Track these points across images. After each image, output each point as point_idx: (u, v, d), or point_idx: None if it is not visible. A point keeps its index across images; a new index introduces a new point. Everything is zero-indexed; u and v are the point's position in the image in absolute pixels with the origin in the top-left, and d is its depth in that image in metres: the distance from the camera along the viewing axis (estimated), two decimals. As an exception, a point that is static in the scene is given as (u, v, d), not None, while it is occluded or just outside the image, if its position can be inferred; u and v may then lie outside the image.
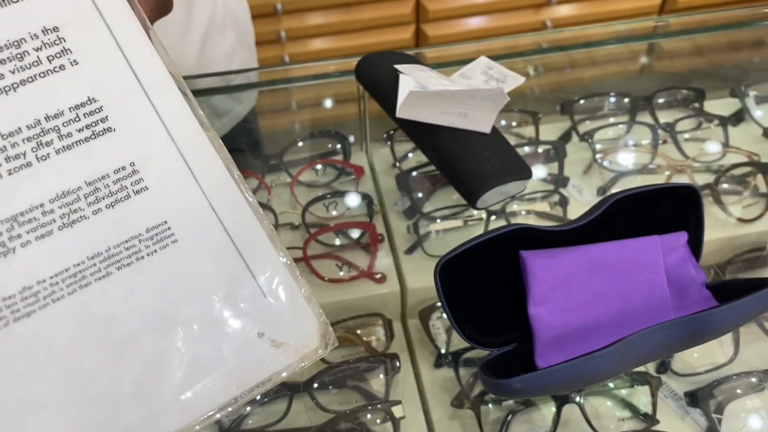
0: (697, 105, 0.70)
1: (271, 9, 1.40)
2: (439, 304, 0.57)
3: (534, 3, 1.54)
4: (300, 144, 0.68)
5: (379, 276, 0.58)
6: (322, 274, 0.57)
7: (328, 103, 0.75)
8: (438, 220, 0.61)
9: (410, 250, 0.59)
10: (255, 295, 0.26)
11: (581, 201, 0.61)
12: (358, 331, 0.58)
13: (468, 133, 0.50)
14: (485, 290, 0.43)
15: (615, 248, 0.42)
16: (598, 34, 0.76)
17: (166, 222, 0.26)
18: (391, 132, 0.68)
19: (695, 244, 0.45)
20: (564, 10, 1.57)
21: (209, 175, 0.26)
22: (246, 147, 0.76)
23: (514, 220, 0.60)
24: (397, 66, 0.55)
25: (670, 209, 0.45)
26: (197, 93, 0.66)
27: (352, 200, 0.63)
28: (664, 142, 0.66)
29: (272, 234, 0.27)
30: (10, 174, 0.24)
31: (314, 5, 1.46)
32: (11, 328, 0.24)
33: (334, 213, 0.63)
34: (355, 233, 0.61)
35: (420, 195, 0.63)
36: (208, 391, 0.25)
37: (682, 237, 0.43)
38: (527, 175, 0.48)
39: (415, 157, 0.67)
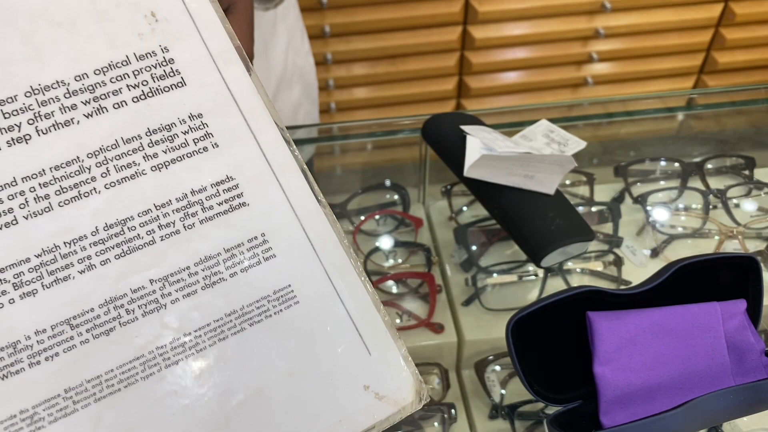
0: (747, 172, 0.72)
1: (322, 59, 1.46)
2: (492, 357, 0.59)
3: (573, 60, 1.58)
4: (361, 193, 0.71)
5: (437, 326, 0.60)
6: (383, 321, 0.60)
7: (388, 156, 0.79)
8: (495, 275, 0.63)
9: (467, 302, 0.62)
10: (362, 352, 0.29)
11: (635, 262, 0.63)
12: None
13: (533, 194, 0.53)
14: (551, 347, 0.45)
15: (677, 313, 0.44)
16: (649, 104, 0.79)
17: (290, 285, 0.30)
18: (449, 187, 0.71)
19: (754, 312, 0.46)
20: (603, 68, 1.61)
21: (325, 245, 0.30)
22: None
23: (569, 278, 0.62)
24: (462, 127, 0.58)
25: (730, 277, 0.47)
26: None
27: (412, 251, 0.66)
28: (715, 207, 0.68)
29: (375, 298, 0.30)
30: (162, 240, 0.28)
31: (361, 56, 1.52)
32: (163, 374, 0.27)
33: (393, 262, 0.66)
34: (414, 282, 0.63)
35: (476, 248, 0.65)
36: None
37: (741, 305, 0.45)
38: (590, 237, 0.51)
39: (470, 212, 0.70)
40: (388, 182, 0.72)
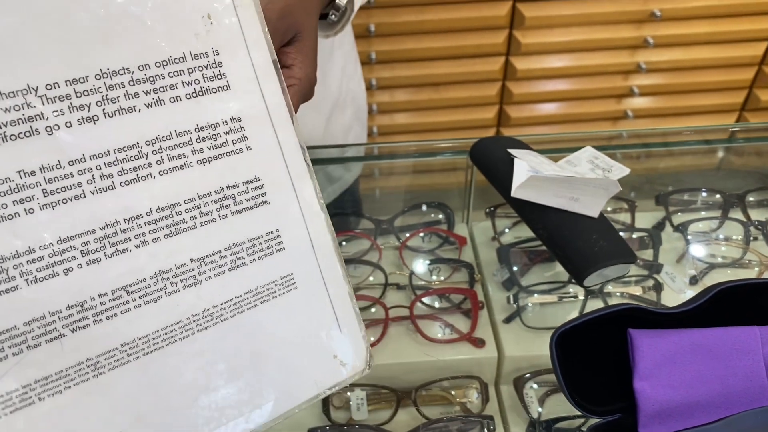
0: (787, 206, 0.73)
1: (367, 84, 1.51)
2: (530, 374, 0.61)
3: (614, 93, 1.60)
4: (407, 211, 0.74)
5: (479, 341, 0.62)
6: (426, 333, 0.62)
7: (433, 177, 0.81)
8: (536, 294, 0.65)
9: (508, 320, 0.64)
10: (336, 329, 0.37)
11: (674, 288, 0.65)
12: (453, 392, 0.62)
13: (577, 216, 0.55)
14: (593, 361, 0.47)
15: (716, 334, 0.46)
16: (689, 137, 0.80)
17: (292, 274, 0.35)
18: (492, 209, 0.73)
19: (793, 338, 0.48)
20: (643, 102, 1.62)
21: (321, 243, 0.36)
22: (351, 211, 0.83)
23: (609, 300, 0.63)
24: (510, 150, 0.61)
25: (769, 303, 0.48)
26: (319, 161, 0.74)
27: (455, 268, 0.68)
28: (756, 239, 0.69)
29: (350, 289, 0.37)
30: (201, 225, 0.32)
31: (405, 83, 1.56)
32: (195, 337, 0.33)
33: (436, 278, 0.68)
34: (456, 298, 0.65)
35: (517, 268, 0.67)
36: (306, 386, 0.36)
37: (781, 330, 0.46)
38: (632, 259, 0.53)
39: (513, 233, 0.72)
40: (433, 202, 0.75)
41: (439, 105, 1.61)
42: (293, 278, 0.35)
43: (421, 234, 0.73)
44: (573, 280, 0.62)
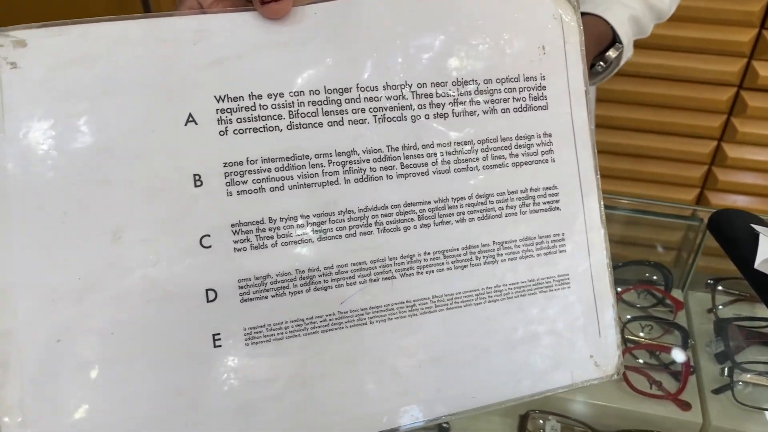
0: None
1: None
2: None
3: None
4: (622, 266, 0.76)
5: (685, 404, 0.62)
6: (633, 384, 0.64)
7: (652, 233, 0.83)
8: (750, 374, 0.64)
9: (718, 391, 0.64)
10: (594, 333, 0.40)
11: None
12: (647, 449, 0.63)
13: (824, 302, 0.54)
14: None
15: None
16: None
17: (568, 275, 0.39)
18: (712, 281, 0.73)
19: None
20: None
21: (596, 253, 0.40)
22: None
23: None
24: (753, 225, 0.62)
25: None
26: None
27: (667, 329, 0.69)
28: None
29: (613, 302, 0.40)
30: (506, 216, 0.38)
31: (609, 149, 1.57)
32: (485, 305, 0.37)
33: (646, 335, 0.69)
34: (666, 358, 0.66)
35: (733, 344, 0.67)
36: (563, 375, 0.39)
37: None
38: None
39: (731, 310, 0.72)
40: (650, 261, 0.76)
41: (638, 177, 1.60)
42: (568, 279, 0.39)
43: (639, 290, 0.74)
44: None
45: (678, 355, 0.66)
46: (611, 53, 0.59)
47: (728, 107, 1.49)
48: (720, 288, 0.73)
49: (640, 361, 0.67)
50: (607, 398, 0.64)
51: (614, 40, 0.60)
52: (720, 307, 0.73)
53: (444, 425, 0.63)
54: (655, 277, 0.76)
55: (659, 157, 1.57)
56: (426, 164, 0.36)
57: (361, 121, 0.34)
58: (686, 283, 0.75)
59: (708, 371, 0.66)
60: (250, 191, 0.32)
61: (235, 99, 0.32)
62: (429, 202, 0.36)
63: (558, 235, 0.39)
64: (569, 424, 0.64)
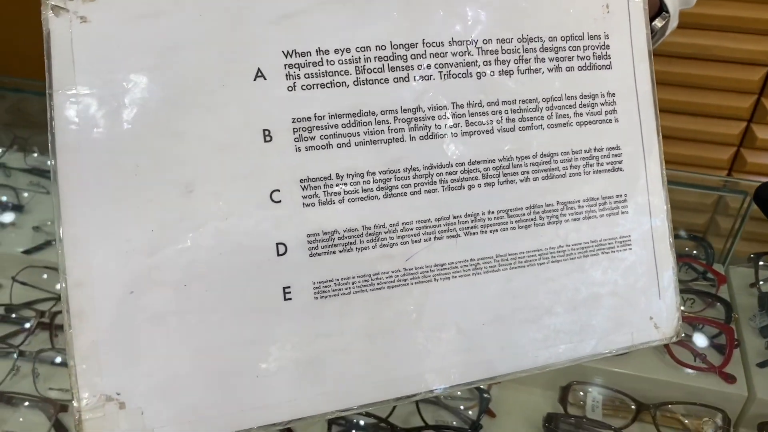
0: None
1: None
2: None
3: None
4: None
5: (730, 377, 0.62)
6: (676, 356, 0.63)
7: (689, 206, 0.82)
8: (796, 347, 0.64)
9: (763, 364, 0.63)
10: (655, 296, 0.40)
11: None
12: (687, 420, 0.63)
13: None
14: None
15: None
16: None
17: (629, 236, 0.39)
18: (754, 255, 0.72)
19: None
20: None
21: (657, 214, 0.39)
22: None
23: None
24: (801, 196, 0.61)
25: None
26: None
27: (710, 303, 0.69)
28: None
29: (674, 265, 0.40)
30: (570, 176, 0.37)
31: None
32: (547, 266, 0.37)
33: (688, 309, 0.69)
34: (709, 332, 0.66)
35: (778, 318, 0.66)
36: (623, 337, 0.39)
37: None
38: None
39: (774, 284, 0.71)
40: (693, 234, 0.76)
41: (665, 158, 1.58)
42: (630, 240, 0.39)
43: (679, 264, 0.74)
44: None
45: (721, 329, 0.65)
46: (657, 22, 0.58)
47: (759, 87, 1.47)
48: (761, 263, 0.72)
49: (683, 334, 0.67)
50: (649, 370, 0.63)
51: (661, 8, 0.59)
52: (762, 282, 0.72)
53: (486, 396, 0.63)
54: (695, 252, 0.75)
55: (686, 139, 1.55)
56: (491, 122, 0.36)
57: (426, 77, 0.34)
58: (728, 257, 0.75)
59: (752, 345, 0.65)
60: (317, 147, 0.32)
61: (302, 54, 0.32)
62: (494, 161, 0.36)
63: (621, 196, 0.39)
64: (611, 396, 0.64)
